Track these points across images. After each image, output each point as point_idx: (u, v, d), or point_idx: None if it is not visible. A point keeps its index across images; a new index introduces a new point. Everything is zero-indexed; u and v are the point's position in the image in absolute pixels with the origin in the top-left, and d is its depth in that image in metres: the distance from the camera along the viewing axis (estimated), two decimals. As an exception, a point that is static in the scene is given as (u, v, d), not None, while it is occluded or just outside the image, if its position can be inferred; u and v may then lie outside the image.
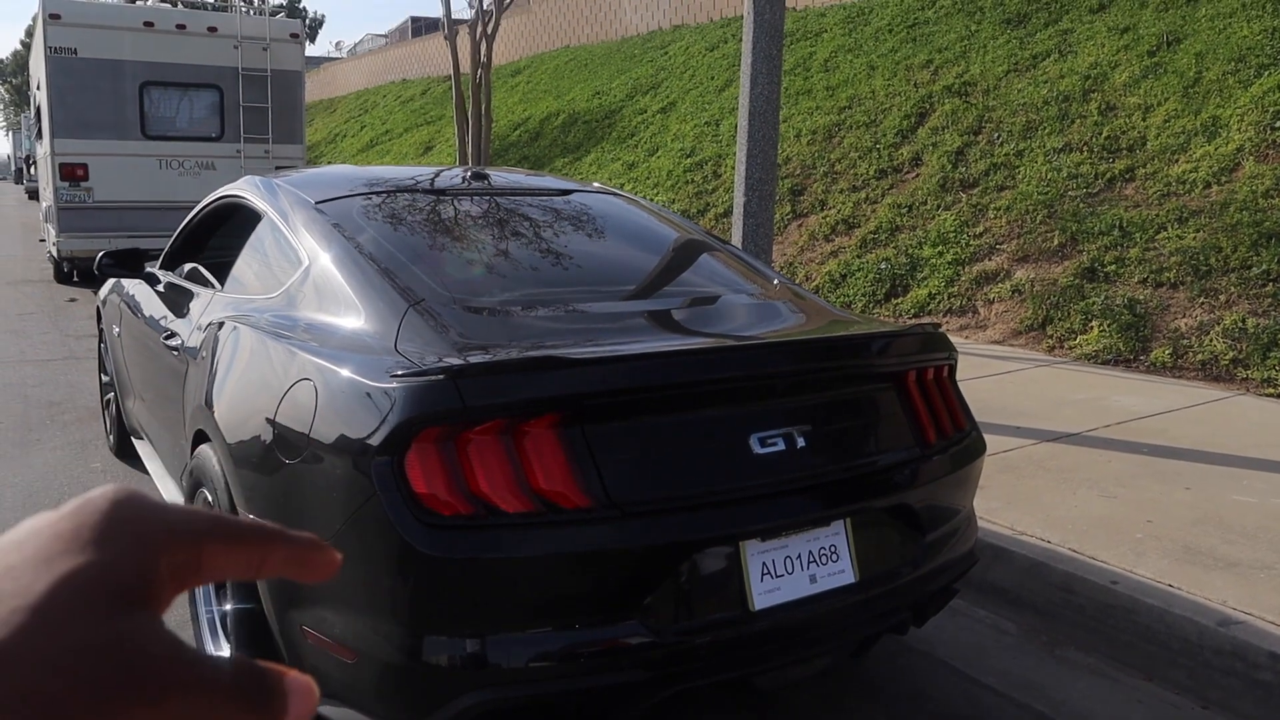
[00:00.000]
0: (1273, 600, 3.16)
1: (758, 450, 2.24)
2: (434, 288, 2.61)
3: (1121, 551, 3.55)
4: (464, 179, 3.48)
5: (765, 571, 2.21)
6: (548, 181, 3.65)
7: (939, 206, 9.09)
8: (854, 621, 2.37)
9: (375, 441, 2.00)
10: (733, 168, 11.68)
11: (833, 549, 2.34)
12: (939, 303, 8.02)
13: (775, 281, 3.21)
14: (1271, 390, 5.78)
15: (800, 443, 2.31)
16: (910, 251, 8.68)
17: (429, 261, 2.77)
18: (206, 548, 0.41)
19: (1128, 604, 3.25)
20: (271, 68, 11.21)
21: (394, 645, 2.01)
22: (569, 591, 2.00)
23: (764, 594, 2.20)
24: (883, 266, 8.64)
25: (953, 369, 2.84)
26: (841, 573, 2.33)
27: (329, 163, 23.91)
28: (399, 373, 2.07)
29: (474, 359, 2.11)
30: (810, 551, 2.30)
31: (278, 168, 9.54)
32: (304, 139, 11.78)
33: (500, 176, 3.58)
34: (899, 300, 8.30)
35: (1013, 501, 4.03)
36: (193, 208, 4.40)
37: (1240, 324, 6.26)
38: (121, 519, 0.39)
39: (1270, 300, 6.37)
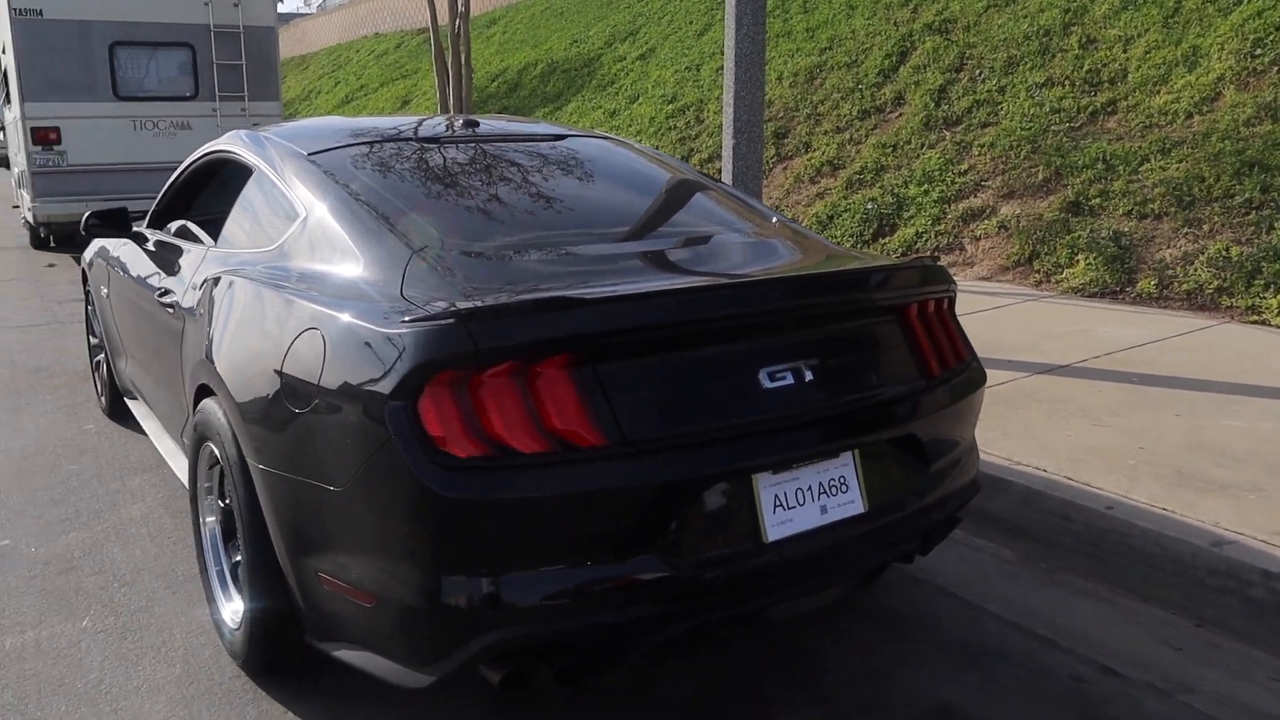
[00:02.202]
0: (1263, 520, 3.22)
1: (767, 385, 2.25)
2: (434, 234, 2.60)
3: (1116, 478, 3.60)
4: (456, 127, 3.44)
5: (777, 503, 2.24)
6: (540, 127, 3.62)
7: (923, 145, 9.06)
8: (864, 551, 2.41)
9: (388, 387, 2.01)
10: (715, 112, 11.60)
11: (842, 480, 2.36)
12: (926, 241, 8.03)
13: (774, 220, 3.21)
14: (1256, 318, 5.84)
15: (808, 376, 2.33)
16: (896, 191, 8.67)
17: (428, 208, 2.75)
18: None
19: (1123, 528, 3.30)
20: (244, 24, 10.99)
21: (412, 588, 2.03)
22: (586, 529, 2.02)
23: (777, 525, 2.23)
24: (869, 207, 8.63)
25: (952, 301, 2.86)
26: (851, 503, 2.36)
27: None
28: (409, 318, 2.07)
29: (485, 302, 2.10)
30: (820, 483, 2.32)
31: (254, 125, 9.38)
32: (280, 96, 11.60)
33: (492, 124, 3.55)
34: (886, 240, 8.31)
35: (1008, 433, 4.07)
36: (169, 169, 4.36)
37: (1224, 253, 6.29)
38: None
39: (1253, 228, 6.40)
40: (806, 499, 2.30)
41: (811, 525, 2.28)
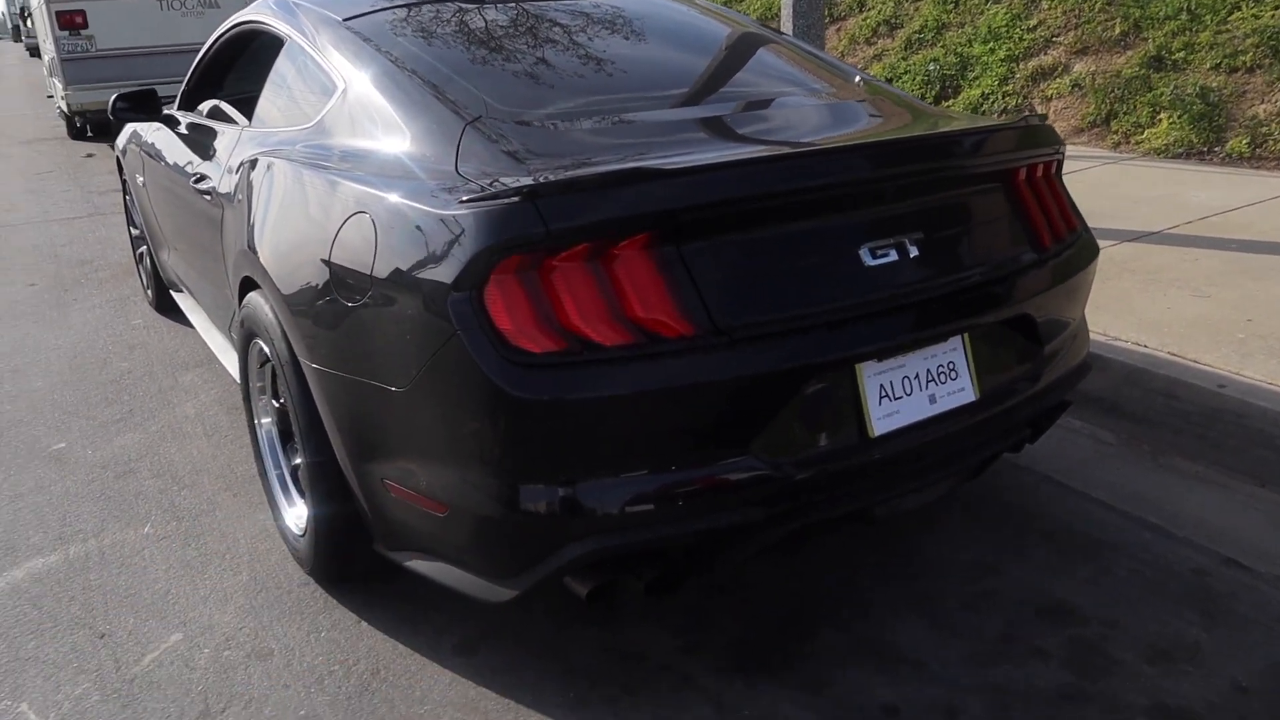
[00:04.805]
0: (1394, 395, 2.96)
1: (869, 262, 2.01)
2: (489, 102, 2.34)
3: (1225, 353, 3.33)
4: (503, -17, 3.13)
5: (883, 394, 2.02)
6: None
7: (988, 0, 8.49)
8: (975, 442, 2.20)
9: (449, 276, 1.79)
10: (762, -28, 10.99)
11: (951, 366, 2.14)
12: (993, 103, 7.57)
13: (856, 78, 2.90)
14: (1359, 175, 5.43)
15: (913, 252, 2.08)
16: (959, 50, 8.16)
17: (477, 74, 2.49)
18: None
19: (1237, 408, 3.05)
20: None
21: (488, 496, 1.85)
22: (677, 428, 1.82)
23: (883, 418, 2.01)
24: (931, 68, 8.14)
25: (1061, 164, 2.58)
26: (961, 391, 2.14)
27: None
28: (468, 197, 1.84)
29: (552, 176, 1.86)
30: (928, 369, 2.10)
31: None
32: (308, -32, 11.11)
33: (541, -21, 3.22)
34: (950, 103, 7.86)
35: (1102, 305, 3.79)
36: (198, 50, 4.09)
37: (1324, 106, 5.84)
38: None
39: (1356, 78, 5.92)
40: (914, 388, 2.08)
41: (920, 416, 2.07)
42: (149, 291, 5.10)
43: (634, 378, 1.76)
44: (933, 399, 2.09)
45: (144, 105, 3.95)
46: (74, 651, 2.40)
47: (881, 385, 2.02)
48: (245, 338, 2.70)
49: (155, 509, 3.03)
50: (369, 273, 2.00)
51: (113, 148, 10.56)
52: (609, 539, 1.83)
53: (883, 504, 2.08)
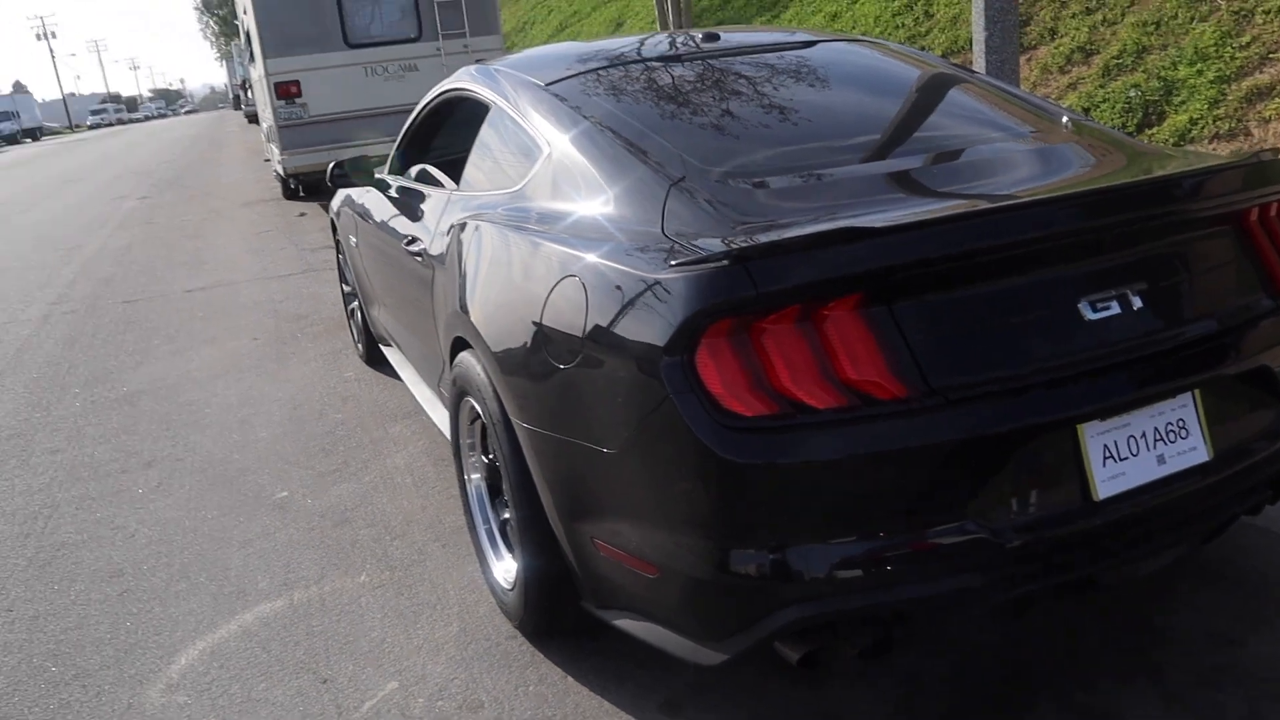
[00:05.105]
0: None
1: (1089, 316, 1.92)
2: (687, 160, 2.38)
3: None
4: (697, 42, 3.19)
5: (1107, 455, 1.92)
6: (787, 35, 3.30)
7: (1193, 19, 8.05)
8: (1209, 504, 2.05)
9: (661, 339, 1.82)
10: (946, 4, 10.79)
11: (1181, 424, 2.01)
12: (1202, 128, 7.15)
13: (1065, 119, 2.80)
14: None
15: (1136, 304, 1.98)
16: (1163, 74, 7.75)
17: (675, 133, 2.53)
18: None
19: None
20: (459, -40, 11.06)
21: (698, 558, 1.86)
22: (892, 492, 1.78)
23: (1107, 480, 1.91)
24: (1132, 94, 7.77)
25: (1294, 202, 2.40)
26: (1193, 450, 2.01)
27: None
28: (677, 260, 1.86)
29: (761, 238, 1.87)
30: (1156, 428, 1.98)
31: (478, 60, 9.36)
32: (500, 29, 11.64)
33: (733, 36, 3.26)
34: (1154, 130, 7.47)
35: (1341, 348, 3.49)
36: (401, 111, 4.34)
37: None
38: None
39: None
40: (1140, 448, 1.96)
41: (1148, 479, 1.95)
42: (359, 345, 5.41)
43: (847, 441, 1.74)
44: (1161, 459, 1.97)
45: (358, 171, 4.22)
46: (299, 695, 2.53)
47: (1105, 446, 1.92)
48: (456, 396, 2.81)
49: (370, 558, 3.19)
50: (580, 334, 2.06)
51: (324, 208, 11.32)
52: (821, 605, 1.80)
53: (1108, 570, 1.96)
